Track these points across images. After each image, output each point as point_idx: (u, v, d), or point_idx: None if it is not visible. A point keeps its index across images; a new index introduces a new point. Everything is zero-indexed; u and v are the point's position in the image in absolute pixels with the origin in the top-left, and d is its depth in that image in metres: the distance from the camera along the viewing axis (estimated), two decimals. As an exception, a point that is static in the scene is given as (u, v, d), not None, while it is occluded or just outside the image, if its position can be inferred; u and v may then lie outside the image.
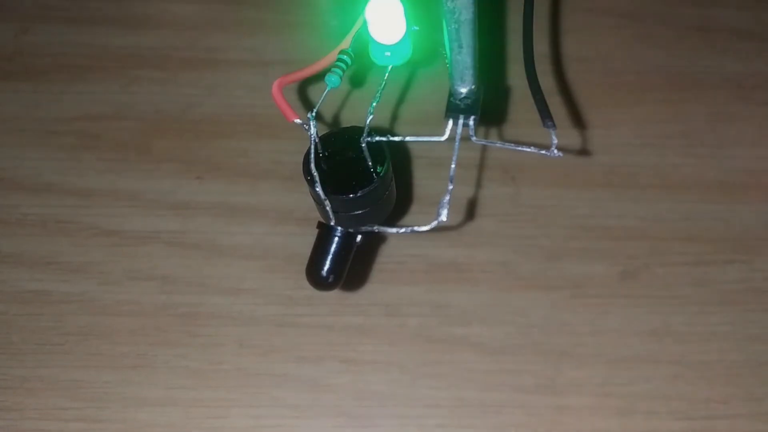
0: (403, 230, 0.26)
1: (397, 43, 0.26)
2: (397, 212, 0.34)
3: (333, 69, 0.26)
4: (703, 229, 0.35)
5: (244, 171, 0.36)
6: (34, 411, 0.31)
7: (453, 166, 0.25)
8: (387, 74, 0.27)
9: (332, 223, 0.28)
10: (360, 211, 0.27)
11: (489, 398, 0.32)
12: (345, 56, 0.27)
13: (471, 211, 0.35)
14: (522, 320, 0.33)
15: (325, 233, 0.28)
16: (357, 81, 0.37)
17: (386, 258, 0.34)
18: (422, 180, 0.36)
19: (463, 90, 0.27)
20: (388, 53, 0.27)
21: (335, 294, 0.33)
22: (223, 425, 0.31)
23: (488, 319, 0.33)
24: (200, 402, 0.31)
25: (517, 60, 0.35)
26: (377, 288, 0.34)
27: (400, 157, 0.36)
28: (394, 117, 0.37)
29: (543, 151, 0.25)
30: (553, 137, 0.24)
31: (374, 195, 0.27)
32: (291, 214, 0.35)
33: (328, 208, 0.27)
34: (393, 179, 0.29)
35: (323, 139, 0.28)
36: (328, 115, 0.37)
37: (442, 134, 0.26)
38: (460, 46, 0.25)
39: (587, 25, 0.41)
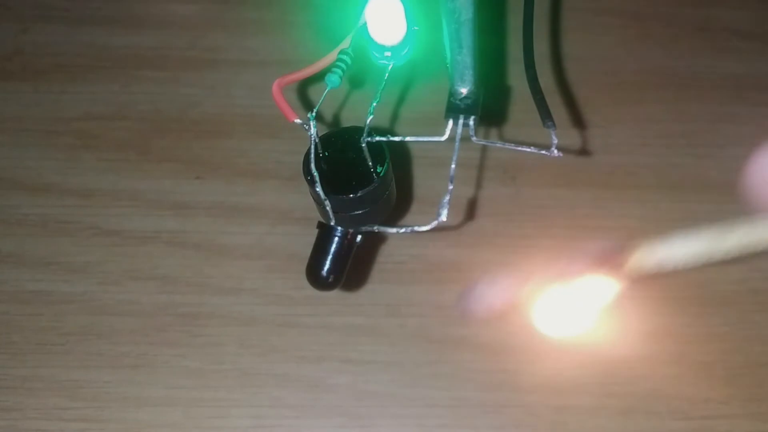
0: (403, 230, 0.26)
1: (397, 43, 0.26)
2: (397, 212, 0.34)
3: (333, 69, 0.26)
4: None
5: (244, 171, 0.36)
6: (35, 411, 0.31)
7: (453, 166, 0.25)
8: (387, 74, 0.27)
9: (332, 223, 0.28)
10: (360, 211, 0.27)
11: (489, 398, 0.32)
12: (345, 56, 0.27)
13: (471, 211, 0.35)
14: (522, 320, 0.33)
15: (325, 233, 0.28)
16: (357, 81, 0.37)
17: (386, 258, 0.34)
18: (422, 180, 0.36)
19: (463, 90, 0.27)
20: (388, 53, 0.27)
21: (335, 294, 0.33)
22: (223, 425, 0.31)
23: (488, 319, 0.33)
24: (200, 402, 0.31)
25: (517, 60, 0.35)
26: (377, 288, 0.34)
27: (400, 157, 0.36)
28: (394, 117, 0.37)
29: (543, 151, 0.25)
30: (553, 137, 0.24)
31: (374, 195, 0.27)
32: (291, 214, 0.35)
33: (328, 208, 0.27)
34: (393, 179, 0.29)
35: (323, 139, 0.28)
36: (328, 115, 0.37)
37: (442, 134, 0.26)
38: (460, 46, 0.25)
39: (587, 25, 0.41)
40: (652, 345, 0.33)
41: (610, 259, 0.18)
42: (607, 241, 0.18)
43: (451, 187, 0.25)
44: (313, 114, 0.26)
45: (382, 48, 0.27)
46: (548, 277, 0.19)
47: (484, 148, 0.37)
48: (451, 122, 0.26)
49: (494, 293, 0.18)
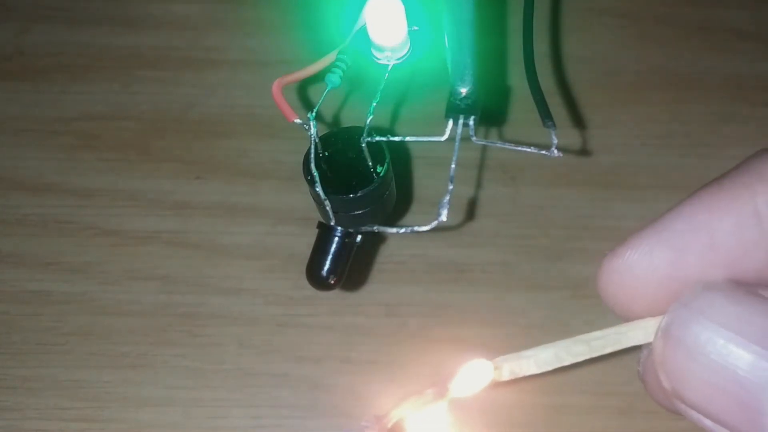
0: (403, 230, 0.25)
1: (397, 44, 0.26)
2: (397, 212, 0.34)
3: (333, 69, 0.26)
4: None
5: (244, 171, 0.36)
6: (35, 411, 0.31)
7: (453, 166, 0.25)
8: (387, 74, 0.27)
9: (332, 223, 0.28)
10: (360, 211, 0.27)
11: (489, 398, 0.32)
12: (345, 56, 0.27)
13: (471, 211, 0.35)
14: (522, 320, 0.33)
15: (325, 233, 0.28)
16: (357, 81, 0.37)
17: (386, 258, 0.34)
18: (422, 180, 0.36)
19: (463, 90, 0.27)
20: (388, 53, 0.27)
21: (335, 294, 0.33)
22: (223, 425, 0.31)
23: (488, 319, 0.33)
24: (200, 402, 0.32)
25: (517, 60, 0.35)
26: (377, 288, 0.34)
27: (400, 157, 0.36)
28: (394, 117, 0.37)
29: (543, 151, 0.25)
30: (553, 137, 0.24)
31: (374, 195, 0.27)
32: (291, 214, 0.35)
33: (328, 208, 0.27)
34: (393, 179, 0.29)
35: (323, 139, 0.28)
36: (328, 115, 0.37)
37: (442, 134, 0.26)
38: (460, 46, 0.25)
39: (587, 25, 0.41)
40: (652, 345, 0.33)
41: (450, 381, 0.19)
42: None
43: (451, 187, 0.25)
44: (313, 114, 0.26)
45: (382, 48, 0.27)
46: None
47: (484, 148, 0.37)
48: (451, 122, 0.26)
49: None
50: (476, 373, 0.18)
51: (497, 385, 0.19)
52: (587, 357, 0.18)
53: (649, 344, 0.18)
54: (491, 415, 0.31)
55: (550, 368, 0.18)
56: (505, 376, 0.19)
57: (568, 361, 0.18)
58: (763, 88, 0.39)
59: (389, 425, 0.18)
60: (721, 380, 0.15)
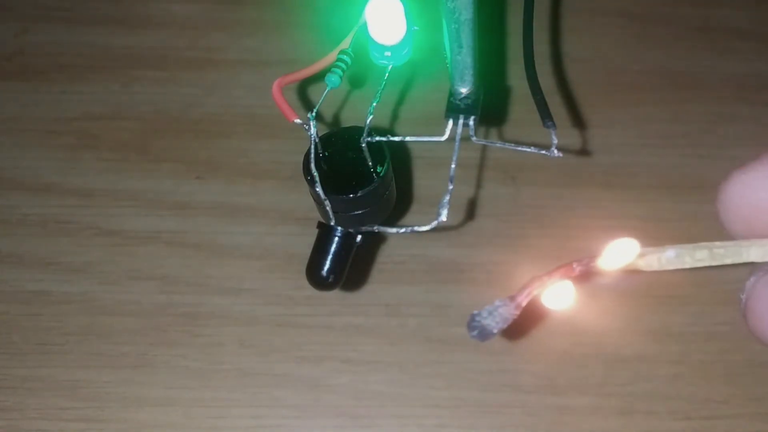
0: (403, 230, 0.25)
1: (397, 43, 0.26)
2: (397, 212, 0.34)
3: (333, 69, 0.26)
4: (703, 229, 0.35)
5: (244, 171, 0.36)
6: (35, 411, 0.31)
7: (453, 166, 0.25)
8: (387, 74, 0.27)
9: (332, 223, 0.28)
10: (360, 211, 0.27)
11: (489, 398, 0.32)
12: (345, 56, 0.27)
13: (471, 211, 0.35)
14: (522, 320, 0.33)
15: (325, 233, 0.28)
16: (357, 81, 0.37)
17: (386, 258, 0.34)
18: (422, 180, 0.36)
19: (463, 90, 0.27)
20: (388, 53, 0.27)
21: (335, 294, 0.33)
22: (223, 425, 0.31)
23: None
24: (200, 402, 0.31)
25: (517, 60, 0.35)
26: (377, 288, 0.34)
27: (400, 157, 0.36)
28: (394, 117, 0.37)
29: (543, 151, 0.25)
30: (553, 137, 0.24)
31: (374, 195, 0.27)
32: (291, 214, 0.35)
33: (328, 208, 0.27)
34: (393, 179, 0.29)
35: (323, 139, 0.28)
36: (328, 115, 0.37)
37: (442, 134, 0.26)
38: (460, 46, 0.25)
39: (587, 25, 0.41)
40: (652, 345, 0.33)
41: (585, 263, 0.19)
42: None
43: (451, 187, 0.25)
44: (313, 114, 0.26)
45: (382, 48, 0.27)
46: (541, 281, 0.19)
47: (484, 148, 0.37)
48: (451, 122, 0.26)
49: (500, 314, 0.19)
50: (621, 250, 0.19)
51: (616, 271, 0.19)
52: (708, 264, 0.18)
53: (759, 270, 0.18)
54: (491, 416, 0.31)
55: (671, 267, 0.19)
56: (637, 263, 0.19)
57: (689, 265, 0.18)
58: (763, 88, 0.39)
59: (523, 304, 0.18)
60: None
